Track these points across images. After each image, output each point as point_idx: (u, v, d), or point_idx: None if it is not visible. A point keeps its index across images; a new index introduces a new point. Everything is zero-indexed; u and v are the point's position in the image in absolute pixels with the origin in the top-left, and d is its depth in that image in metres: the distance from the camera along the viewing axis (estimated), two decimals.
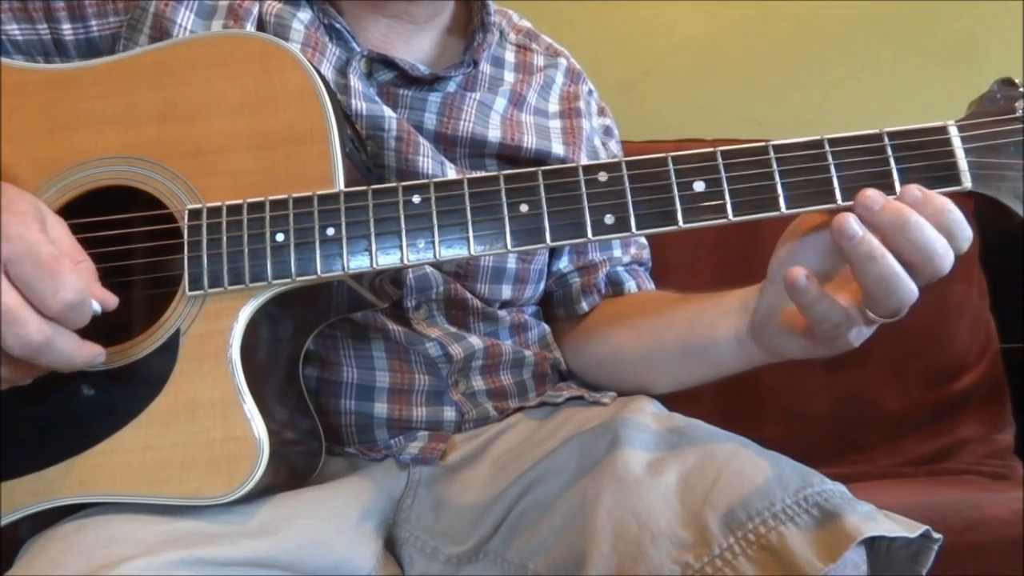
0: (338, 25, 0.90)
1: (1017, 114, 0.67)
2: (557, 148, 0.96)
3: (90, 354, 0.66)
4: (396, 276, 0.85)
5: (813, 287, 0.65)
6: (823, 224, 0.68)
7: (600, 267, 1.01)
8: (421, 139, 0.89)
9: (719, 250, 1.50)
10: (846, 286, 0.67)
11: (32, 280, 0.61)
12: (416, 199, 0.70)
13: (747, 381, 1.49)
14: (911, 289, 0.64)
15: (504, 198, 0.69)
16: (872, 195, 0.64)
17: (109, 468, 0.69)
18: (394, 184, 0.70)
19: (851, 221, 0.63)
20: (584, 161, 0.98)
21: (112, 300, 0.67)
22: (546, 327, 1.00)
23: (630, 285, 1.02)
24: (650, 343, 0.90)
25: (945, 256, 0.64)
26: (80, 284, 0.63)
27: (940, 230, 0.64)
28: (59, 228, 0.66)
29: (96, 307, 0.65)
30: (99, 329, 0.67)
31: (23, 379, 0.67)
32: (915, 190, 0.64)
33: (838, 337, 0.69)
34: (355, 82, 0.87)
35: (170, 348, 0.70)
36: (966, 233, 0.64)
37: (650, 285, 1.05)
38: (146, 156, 0.74)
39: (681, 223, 0.67)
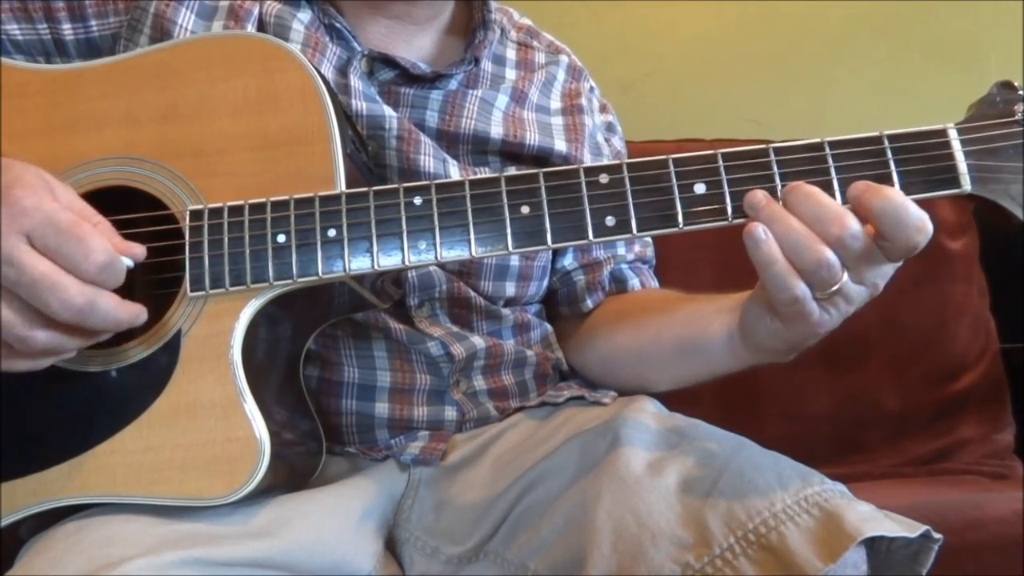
0: (338, 25, 0.90)
1: (1016, 117, 0.67)
2: (560, 145, 0.96)
3: (132, 312, 0.66)
4: (397, 276, 0.85)
5: (771, 244, 0.65)
6: None
7: (604, 265, 1.01)
8: (423, 137, 0.89)
9: (719, 250, 1.49)
10: None
11: (60, 248, 0.62)
12: (417, 200, 0.70)
13: (747, 381, 1.51)
14: (818, 253, 0.64)
15: (505, 199, 0.69)
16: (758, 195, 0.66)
17: (110, 468, 0.69)
18: (395, 185, 0.71)
19: (757, 228, 0.65)
20: (587, 157, 0.99)
21: (140, 250, 0.68)
22: (548, 327, 1.00)
23: (634, 283, 1.02)
24: (649, 340, 0.90)
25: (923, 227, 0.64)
26: (106, 244, 0.64)
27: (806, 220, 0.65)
28: (69, 194, 0.66)
29: (128, 262, 0.66)
30: None
31: (73, 349, 0.67)
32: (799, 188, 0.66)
33: (799, 317, 0.68)
34: (356, 82, 0.88)
35: (171, 349, 0.70)
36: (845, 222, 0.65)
37: (654, 283, 1.05)
38: (147, 156, 0.74)
39: (682, 225, 0.68)
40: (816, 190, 0.65)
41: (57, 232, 0.62)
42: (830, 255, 0.64)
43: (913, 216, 0.63)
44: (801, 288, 0.66)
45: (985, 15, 1.86)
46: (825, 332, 0.70)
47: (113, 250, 0.64)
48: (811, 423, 1.52)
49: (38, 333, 0.63)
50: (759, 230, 0.65)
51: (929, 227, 0.64)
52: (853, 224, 0.64)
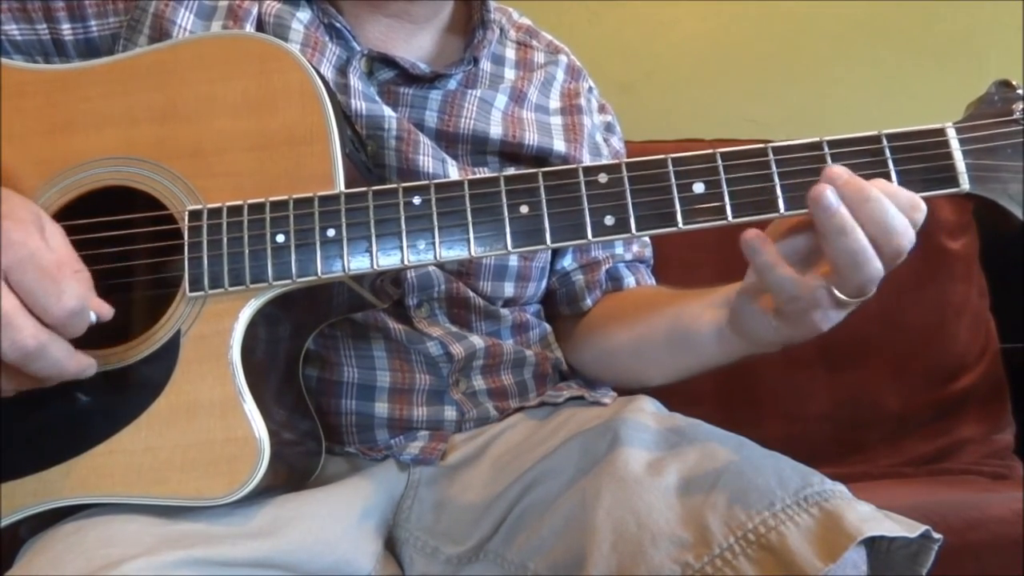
0: (338, 24, 0.90)
1: (1015, 116, 0.67)
2: (559, 145, 0.96)
3: (81, 364, 0.66)
4: (397, 276, 0.85)
5: (769, 249, 0.66)
6: (800, 224, 0.69)
7: (602, 264, 1.01)
8: (422, 137, 0.89)
9: (719, 250, 1.49)
10: (812, 267, 0.68)
11: (34, 287, 0.62)
12: (416, 200, 0.70)
13: (747, 381, 1.52)
14: (877, 267, 0.65)
15: (504, 199, 0.69)
16: (838, 170, 0.65)
17: (109, 469, 0.69)
18: (395, 185, 0.71)
19: (828, 193, 0.64)
20: (585, 158, 0.99)
21: (108, 311, 0.67)
22: (547, 326, 1.00)
23: (629, 281, 1.02)
24: (641, 336, 0.90)
25: (904, 234, 0.64)
26: (81, 292, 0.64)
27: (900, 208, 0.65)
28: (58, 236, 0.66)
29: (92, 317, 0.66)
30: (100, 329, 0.67)
31: (9, 391, 0.67)
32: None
33: (801, 314, 0.68)
34: (355, 82, 0.88)
35: (171, 349, 0.70)
36: (922, 209, 0.65)
37: (650, 281, 1.05)
38: (146, 157, 0.74)
39: (681, 224, 0.68)
40: (882, 199, 0.65)
41: (36, 270, 0.62)
42: (881, 268, 0.65)
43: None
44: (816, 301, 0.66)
45: (985, 15, 1.86)
46: (826, 329, 0.70)
47: (85, 298, 0.64)
48: (811, 423, 1.52)
49: None
50: (829, 195, 0.64)
51: (911, 234, 0.65)
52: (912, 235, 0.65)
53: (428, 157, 0.88)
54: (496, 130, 0.93)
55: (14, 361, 0.62)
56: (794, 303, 0.68)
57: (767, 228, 0.72)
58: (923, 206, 0.65)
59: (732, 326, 0.77)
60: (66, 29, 0.87)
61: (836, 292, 0.67)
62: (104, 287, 0.68)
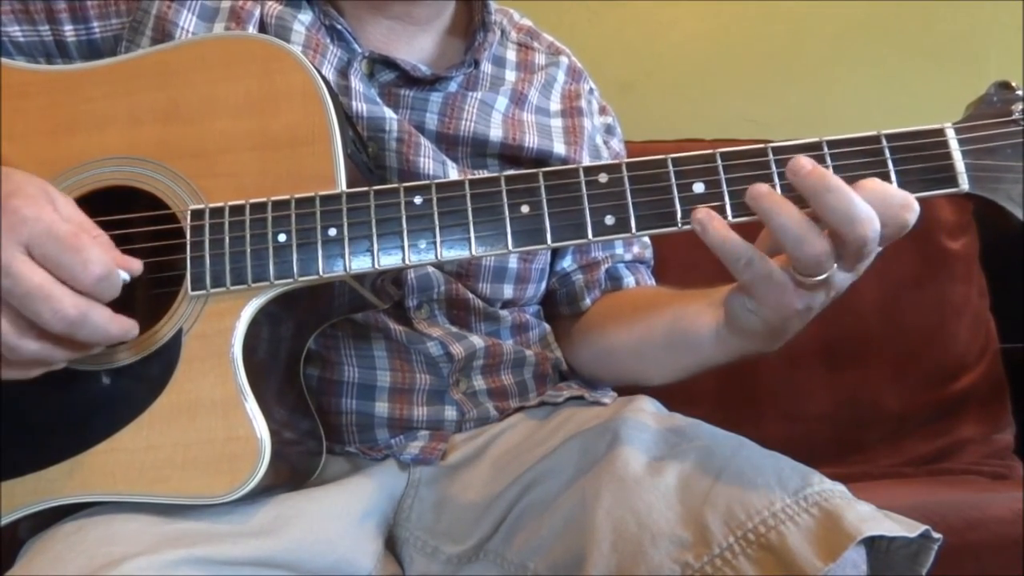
0: (339, 26, 0.90)
1: (1014, 117, 0.67)
2: (559, 147, 0.97)
3: (124, 326, 0.66)
4: (397, 276, 0.86)
5: (717, 224, 0.66)
6: None
7: (602, 264, 1.01)
8: (422, 140, 0.89)
9: None
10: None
11: (59, 258, 0.62)
12: (418, 200, 0.70)
13: (747, 381, 1.52)
14: (816, 247, 0.64)
15: (505, 199, 0.69)
16: (802, 161, 0.65)
17: (110, 467, 0.69)
18: (396, 185, 0.71)
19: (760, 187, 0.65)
20: (585, 160, 0.99)
21: (137, 265, 0.68)
22: (547, 327, 1.01)
23: (629, 281, 1.02)
24: (640, 335, 0.91)
25: (867, 222, 0.63)
26: (105, 257, 0.64)
27: (891, 206, 0.64)
28: (70, 206, 0.67)
29: (124, 275, 0.66)
30: None
31: (62, 360, 0.67)
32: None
33: (773, 294, 0.68)
34: (356, 83, 0.88)
35: (172, 348, 0.71)
36: (914, 208, 0.65)
37: (650, 281, 1.05)
38: (149, 157, 0.74)
39: (681, 224, 0.68)
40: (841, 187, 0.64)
41: (56, 243, 0.62)
42: (827, 247, 0.64)
43: (862, 209, 0.64)
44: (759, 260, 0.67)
45: (984, 15, 1.86)
46: (810, 316, 0.70)
47: (111, 263, 0.65)
48: (811, 423, 1.52)
49: (29, 343, 0.64)
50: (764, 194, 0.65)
51: (876, 224, 0.64)
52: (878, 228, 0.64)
53: (428, 159, 0.88)
54: (496, 132, 0.93)
55: (61, 331, 0.63)
56: (765, 283, 0.67)
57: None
58: (916, 206, 0.65)
59: (727, 322, 0.78)
60: (68, 30, 0.87)
61: (797, 275, 0.66)
62: None
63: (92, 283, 0.63)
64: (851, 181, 0.66)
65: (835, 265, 0.66)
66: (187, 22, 0.87)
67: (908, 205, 0.65)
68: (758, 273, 0.67)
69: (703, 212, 0.66)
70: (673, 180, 0.68)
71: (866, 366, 1.54)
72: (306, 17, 0.90)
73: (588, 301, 1.00)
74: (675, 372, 0.89)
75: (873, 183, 0.65)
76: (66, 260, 0.62)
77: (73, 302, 0.63)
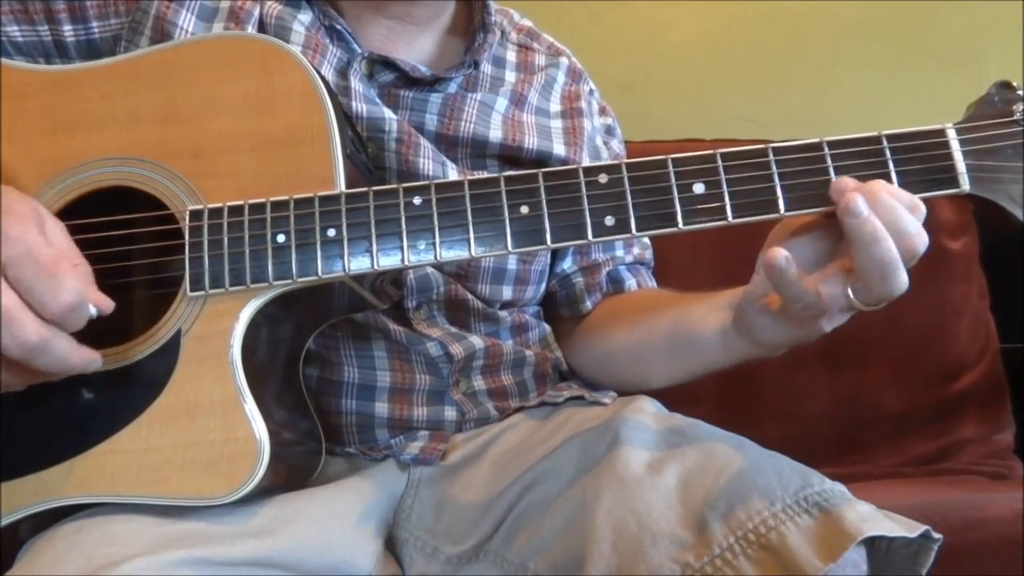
0: (339, 26, 0.90)
1: (1015, 117, 0.67)
2: (558, 148, 0.96)
3: (86, 358, 0.66)
4: (397, 277, 0.86)
5: (791, 268, 0.66)
6: (811, 223, 0.69)
7: (603, 266, 1.01)
8: (422, 140, 0.89)
9: (719, 250, 1.50)
10: (827, 273, 0.68)
11: (32, 282, 0.62)
12: (417, 200, 0.70)
13: (747, 381, 1.52)
14: (903, 278, 0.65)
15: (505, 199, 0.69)
16: (845, 179, 0.65)
17: (109, 468, 0.69)
18: (395, 185, 0.71)
19: (859, 200, 0.64)
20: (585, 161, 0.99)
21: (108, 304, 0.67)
22: (547, 327, 1.01)
23: (630, 283, 1.02)
24: (643, 338, 0.90)
25: (917, 235, 0.64)
26: (79, 287, 0.63)
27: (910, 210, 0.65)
28: (57, 231, 0.66)
29: (92, 311, 0.65)
30: (100, 329, 0.67)
31: (18, 384, 0.67)
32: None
33: (811, 319, 0.69)
34: (356, 84, 0.88)
35: (171, 349, 0.71)
36: (921, 210, 0.66)
37: (651, 283, 1.05)
38: (147, 157, 0.74)
39: (681, 224, 0.68)
40: (897, 206, 0.65)
41: (33, 265, 0.62)
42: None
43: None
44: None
45: (985, 15, 1.86)
46: (830, 330, 0.71)
47: (83, 292, 0.64)
48: (811, 423, 1.52)
49: None
50: (860, 202, 0.64)
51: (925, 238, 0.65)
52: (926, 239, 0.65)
53: (428, 160, 0.88)
54: (496, 134, 0.93)
55: (19, 357, 0.62)
56: (808, 310, 0.68)
57: (772, 230, 0.72)
58: (922, 207, 0.66)
59: (737, 328, 0.77)
60: (67, 30, 0.87)
61: (854, 299, 0.67)
62: (105, 287, 0.68)
63: (59, 312, 0.62)
64: None
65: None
66: (186, 22, 0.87)
67: (915, 206, 0.65)
68: (810, 302, 0.67)
69: (780, 253, 0.65)
70: (673, 180, 0.68)
71: (866, 366, 1.54)
72: (306, 17, 0.90)
73: (589, 304, 1.00)
74: (676, 376, 0.89)
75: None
76: (38, 285, 0.61)
77: (35, 329, 0.62)
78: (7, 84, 0.77)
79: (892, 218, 0.64)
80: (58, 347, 0.63)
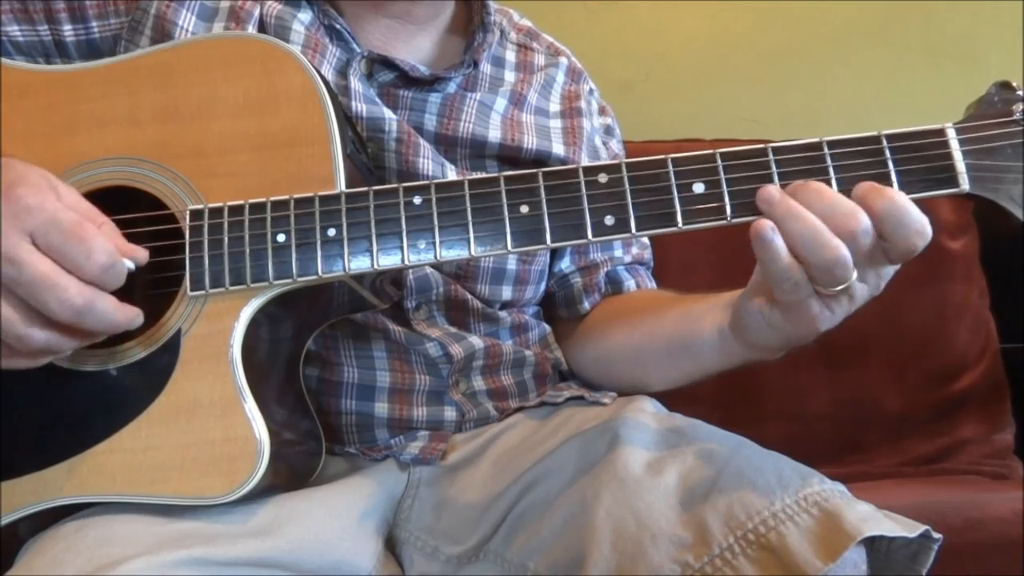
0: (338, 26, 0.90)
1: (1015, 117, 0.67)
2: (558, 148, 0.96)
3: (130, 314, 0.67)
4: (397, 277, 0.86)
5: (777, 239, 0.65)
6: None
7: (601, 267, 1.01)
8: (421, 140, 0.89)
9: (718, 250, 1.50)
10: None
11: (62, 247, 0.62)
12: (417, 200, 0.70)
13: (747, 381, 1.52)
14: (833, 250, 0.64)
15: (504, 199, 0.69)
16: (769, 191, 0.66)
17: (110, 468, 0.69)
18: (395, 185, 0.71)
19: (765, 226, 0.65)
20: (585, 161, 0.98)
21: (143, 254, 0.68)
22: (547, 327, 1.00)
23: (629, 284, 1.02)
24: (641, 340, 0.90)
25: (852, 215, 0.64)
26: (109, 246, 0.64)
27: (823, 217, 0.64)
28: (72, 194, 0.67)
29: (129, 264, 0.66)
30: None
31: (69, 348, 0.67)
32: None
33: (800, 305, 0.68)
34: (355, 83, 0.88)
35: (171, 348, 0.71)
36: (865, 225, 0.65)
37: (651, 284, 1.05)
38: (148, 157, 0.74)
39: (681, 224, 0.68)
40: (825, 187, 0.65)
41: (60, 232, 0.62)
42: (845, 251, 0.64)
43: (915, 219, 0.64)
44: (805, 282, 0.66)
45: (985, 15, 1.86)
46: (825, 329, 0.70)
47: (116, 252, 0.65)
48: (811, 423, 1.52)
49: (36, 332, 0.64)
50: (767, 229, 0.65)
51: (929, 231, 0.64)
52: (865, 219, 0.64)
53: (427, 160, 0.88)
54: (495, 134, 0.93)
55: (68, 320, 0.63)
56: (796, 292, 0.67)
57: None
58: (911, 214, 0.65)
59: (733, 329, 0.77)
60: (67, 30, 0.87)
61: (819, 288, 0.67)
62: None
63: (97, 272, 0.63)
64: (852, 182, 0.66)
65: (854, 274, 0.65)
66: (186, 22, 0.87)
67: (856, 215, 0.65)
68: (802, 295, 0.67)
69: (767, 227, 0.65)
70: (673, 180, 0.68)
71: (866, 366, 1.54)
72: (305, 17, 0.90)
73: (587, 305, 1.00)
74: (675, 378, 0.89)
75: (882, 188, 0.65)
76: (70, 249, 0.63)
77: (79, 290, 0.63)
78: (7, 84, 0.78)
79: (819, 206, 0.64)
80: (103, 305, 0.64)
